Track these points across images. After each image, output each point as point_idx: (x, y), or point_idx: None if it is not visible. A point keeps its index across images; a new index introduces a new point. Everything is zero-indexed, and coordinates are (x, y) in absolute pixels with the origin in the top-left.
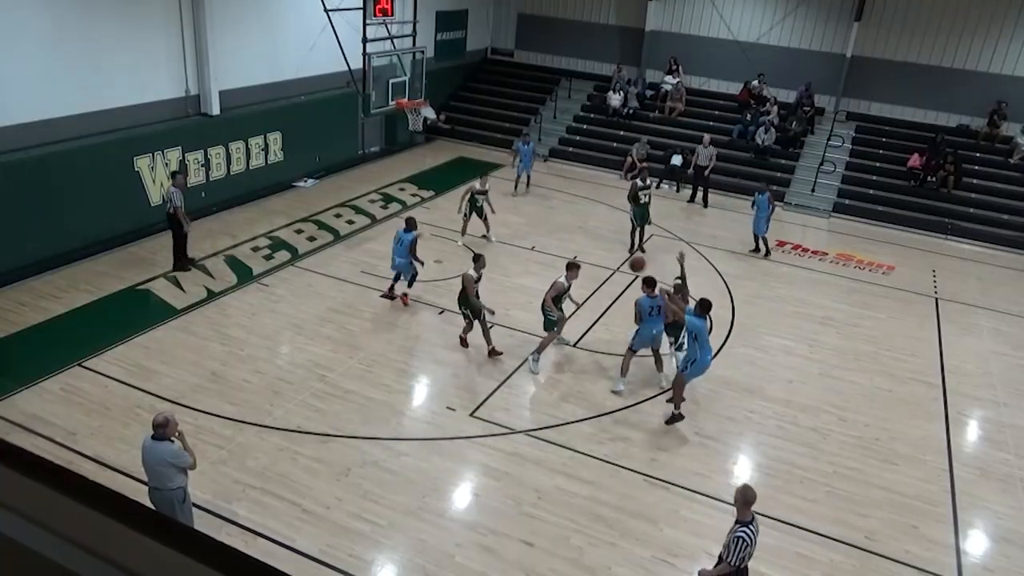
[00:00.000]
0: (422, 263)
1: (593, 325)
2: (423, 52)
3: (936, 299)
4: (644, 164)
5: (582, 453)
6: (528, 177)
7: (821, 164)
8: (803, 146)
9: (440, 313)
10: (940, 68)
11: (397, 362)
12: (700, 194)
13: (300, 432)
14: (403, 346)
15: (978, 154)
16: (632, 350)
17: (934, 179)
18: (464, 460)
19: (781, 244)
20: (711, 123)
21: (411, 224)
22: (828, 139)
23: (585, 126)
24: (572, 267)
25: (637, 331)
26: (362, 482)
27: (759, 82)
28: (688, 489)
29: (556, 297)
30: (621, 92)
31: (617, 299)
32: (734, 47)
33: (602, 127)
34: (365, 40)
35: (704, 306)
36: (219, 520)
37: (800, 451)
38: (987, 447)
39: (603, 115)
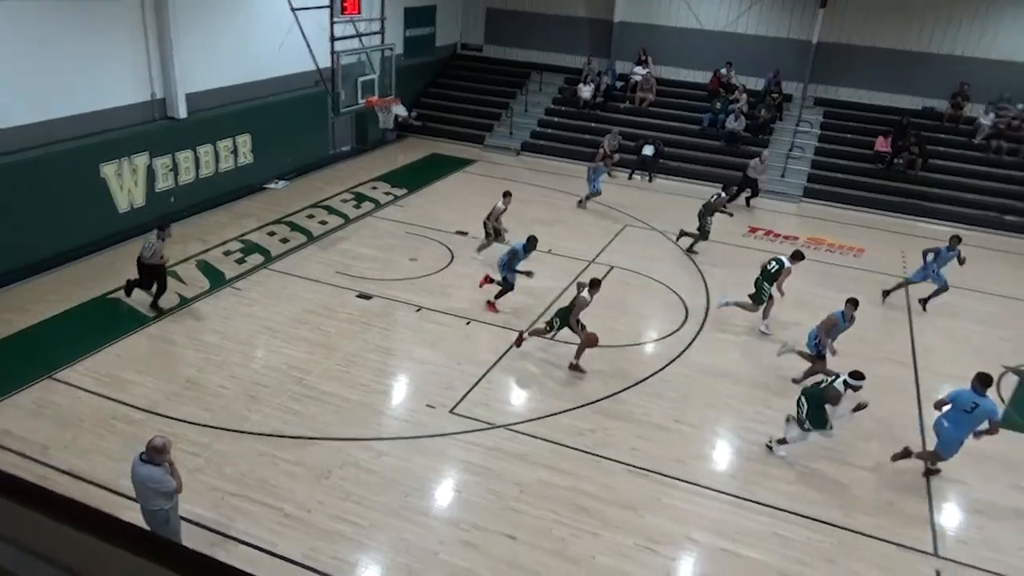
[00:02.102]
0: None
1: None
2: (392, 49)
3: (907, 280)
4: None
5: (562, 445)
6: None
7: (790, 150)
8: (772, 132)
9: (417, 311)
10: (904, 52)
11: (375, 362)
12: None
13: (279, 436)
14: (380, 345)
15: (943, 135)
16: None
17: (901, 161)
18: (445, 457)
19: (753, 230)
20: (682, 112)
21: (531, 242)
22: (797, 125)
23: (556, 119)
24: (595, 284)
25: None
26: (343, 484)
27: (728, 70)
28: (668, 476)
29: (578, 317)
30: (592, 84)
31: None
32: (702, 36)
33: (573, 119)
34: (333, 39)
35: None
36: (199, 529)
37: (777, 434)
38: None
39: (574, 107)
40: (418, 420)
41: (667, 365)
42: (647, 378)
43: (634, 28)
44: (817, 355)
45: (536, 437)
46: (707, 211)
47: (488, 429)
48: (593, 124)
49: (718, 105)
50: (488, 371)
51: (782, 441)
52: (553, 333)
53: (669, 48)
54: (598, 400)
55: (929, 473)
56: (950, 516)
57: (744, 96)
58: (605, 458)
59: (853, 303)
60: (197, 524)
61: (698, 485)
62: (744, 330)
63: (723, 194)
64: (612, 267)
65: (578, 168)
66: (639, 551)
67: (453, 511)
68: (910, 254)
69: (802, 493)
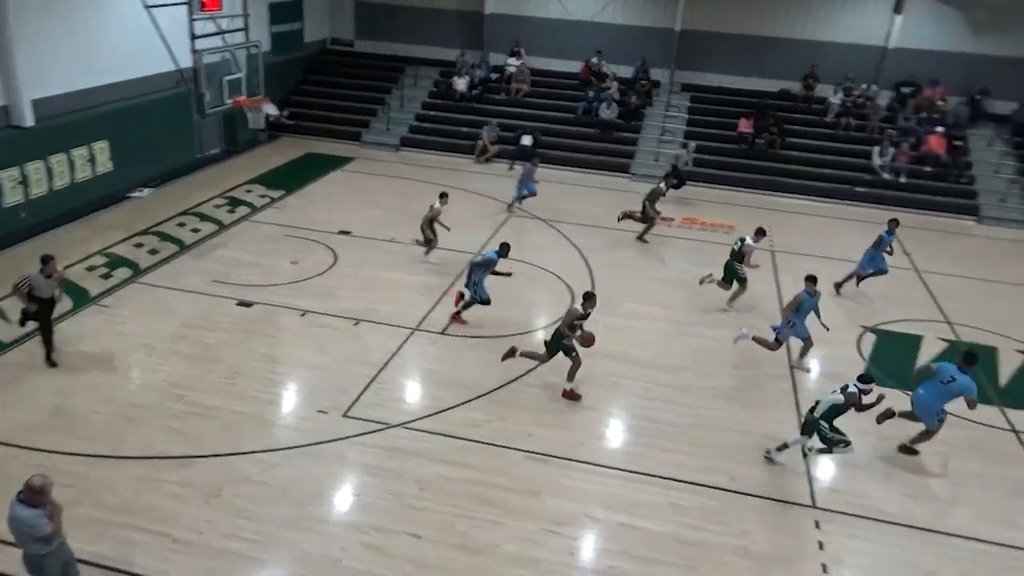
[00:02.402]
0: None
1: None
2: (258, 46)
3: (772, 252)
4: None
5: (460, 438)
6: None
7: (662, 134)
8: (644, 118)
9: (302, 315)
10: (760, 38)
11: (261, 371)
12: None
13: (161, 458)
14: (266, 354)
15: (798, 115)
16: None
17: (762, 141)
18: (341, 462)
19: (665, 219)
20: (557, 101)
21: (504, 249)
22: (666, 110)
23: (434, 112)
24: (589, 297)
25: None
26: (235, 500)
27: (598, 59)
28: (566, 459)
29: (571, 324)
30: (466, 76)
31: None
32: (572, 27)
33: (451, 112)
34: (193, 37)
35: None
36: (82, 565)
37: (665, 407)
38: (825, 382)
39: (451, 100)
40: (311, 427)
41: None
42: (539, 365)
43: (505, 20)
44: (775, 340)
45: (433, 433)
46: (651, 198)
47: (384, 429)
48: (471, 116)
49: (591, 93)
50: (380, 371)
51: (783, 447)
52: (550, 358)
53: (541, 39)
54: (493, 391)
55: (906, 450)
56: (824, 469)
57: (615, 84)
58: (503, 447)
59: (812, 279)
60: (81, 560)
61: (595, 464)
62: (626, 312)
63: (663, 185)
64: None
65: (460, 160)
66: (543, 535)
67: (353, 516)
68: (775, 228)
69: (691, 462)
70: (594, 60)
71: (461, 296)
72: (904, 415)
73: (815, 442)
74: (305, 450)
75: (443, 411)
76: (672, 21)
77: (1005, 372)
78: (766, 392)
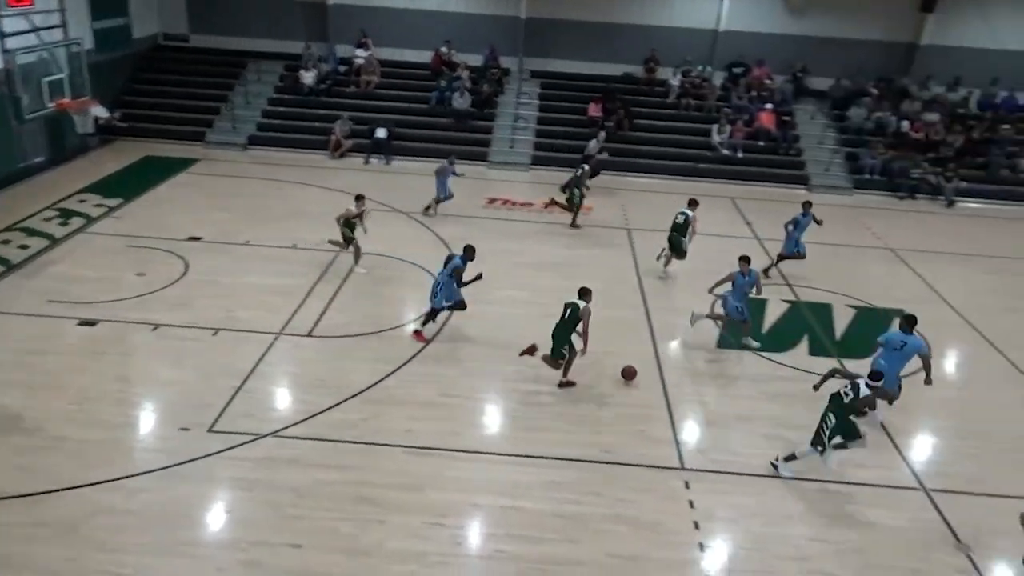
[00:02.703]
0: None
1: (325, 310)
2: (80, 44)
3: (628, 230)
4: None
5: (336, 440)
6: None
7: (515, 121)
8: (496, 107)
9: (154, 329)
10: (603, 24)
11: (113, 393)
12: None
13: (5, 498)
14: (118, 374)
15: (642, 98)
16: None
17: (611, 124)
18: (211, 480)
19: (491, 201)
20: (409, 92)
21: (469, 253)
22: (517, 97)
23: (282, 108)
24: (586, 292)
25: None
26: (96, 534)
27: (447, 48)
28: (446, 450)
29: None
30: (314, 69)
31: (345, 281)
32: (418, 16)
33: (299, 107)
34: (3, 35)
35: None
36: None
37: (539, 388)
38: (685, 350)
39: (298, 95)
40: (174, 447)
41: (428, 343)
42: (411, 359)
43: (350, 10)
44: (743, 321)
45: (307, 438)
46: (576, 183)
47: (254, 440)
48: (321, 111)
49: (443, 83)
50: (246, 380)
51: (790, 457)
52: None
53: (388, 29)
54: (365, 389)
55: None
56: (689, 431)
57: (466, 73)
58: (381, 445)
59: (745, 259)
60: None
61: (475, 452)
62: (496, 298)
63: (585, 167)
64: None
65: (313, 157)
66: (428, 528)
67: (229, 533)
68: (629, 207)
69: (566, 439)
70: (444, 49)
71: (434, 312)
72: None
73: (829, 450)
74: (170, 471)
75: (316, 415)
76: (517, 9)
77: (840, 326)
78: (631, 364)
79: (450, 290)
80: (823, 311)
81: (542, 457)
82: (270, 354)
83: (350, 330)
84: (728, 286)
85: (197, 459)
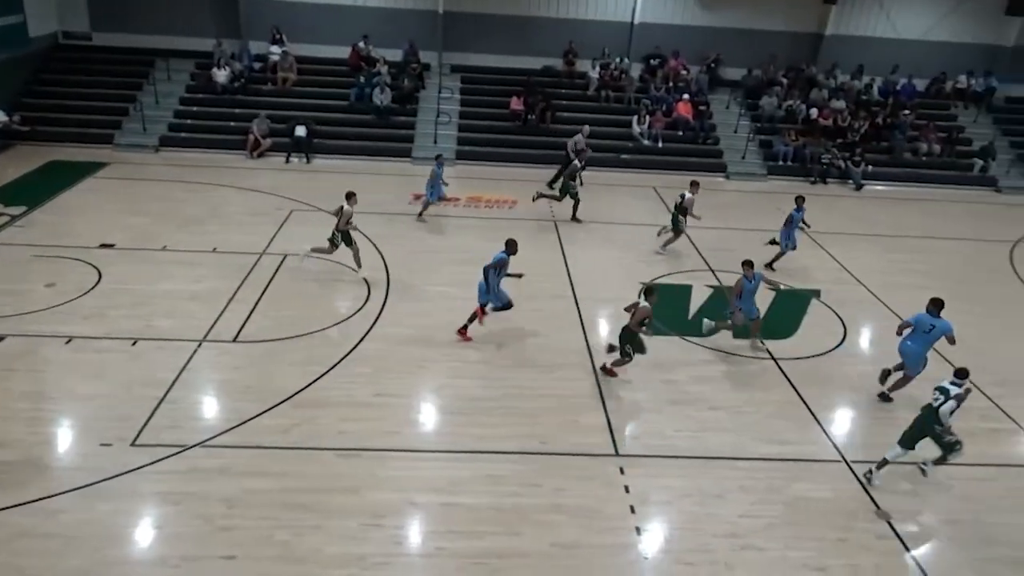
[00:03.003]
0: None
1: (250, 315)
2: None
3: (555, 222)
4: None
5: (267, 447)
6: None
7: (437, 117)
8: (418, 102)
9: (68, 343)
10: (521, 17)
11: (26, 411)
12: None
13: None
14: (29, 391)
15: (563, 90)
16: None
17: (533, 117)
18: (136, 495)
19: (418, 197)
20: (327, 89)
21: (510, 247)
22: (439, 93)
23: (195, 108)
24: (652, 291)
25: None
26: (14, 560)
27: (365, 44)
28: (381, 449)
29: (641, 321)
30: (227, 67)
31: (270, 283)
32: (333, 11)
33: (213, 107)
34: None
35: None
36: None
37: (474, 384)
38: (614, 338)
39: (212, 94)
40: (95, 464)
41: (359, 343)
42: (342, 359)
43: (262, 5)
44: (752, 319)
45: (236, 447)
46: (569, 176)
47: (181, 452)
48: (237, 110)
49: (362, 79)
50: (169, 390)
51: (882, 464)
52: (631, 359)
53: (303, 25)
54: (296, 393)
55: (883, 398)
56: (622, 418)
57: (386, 68)
58: (314, 448)
59: (748, 264)
60: None
61: (411, 450)
62: (426, 295)
63: (577, 162)
64: (285, 255)
65: (230, 157)
66: (366, 529)
67: (158, 550)
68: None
69: (503, 432)
70: (361, 45)
71: (483, 311)
72: (897, 367)
73: (929, 455)
74: (92, 489)
75: (245, 422)
76: (435, 3)
77: (762, 307)
78: (562, 356)
79: (497, 290)
80: None
81: (479, 452)
82: (193, 362)
83: (277, 334)
84: (735, 299)
85: (120, 475)
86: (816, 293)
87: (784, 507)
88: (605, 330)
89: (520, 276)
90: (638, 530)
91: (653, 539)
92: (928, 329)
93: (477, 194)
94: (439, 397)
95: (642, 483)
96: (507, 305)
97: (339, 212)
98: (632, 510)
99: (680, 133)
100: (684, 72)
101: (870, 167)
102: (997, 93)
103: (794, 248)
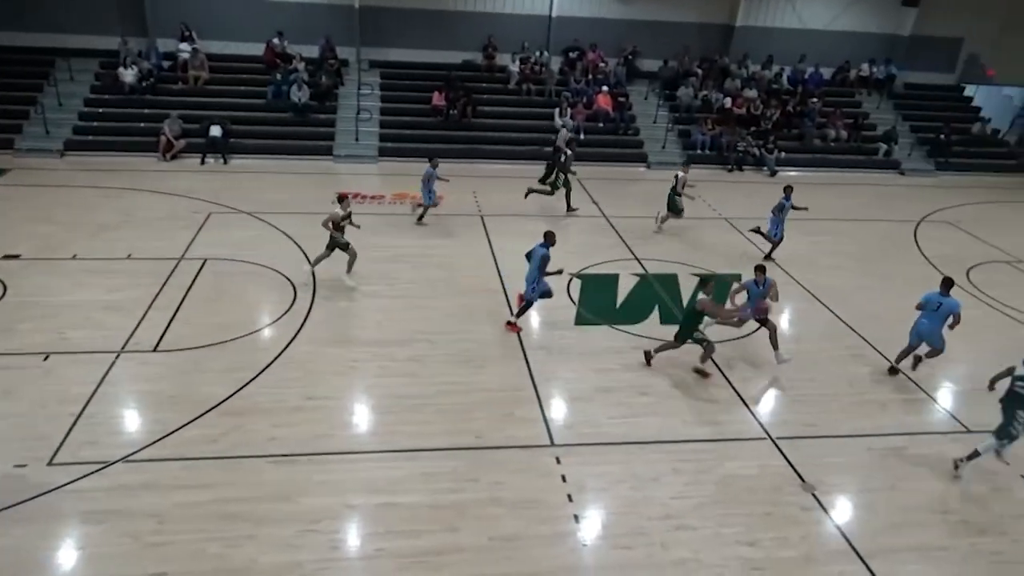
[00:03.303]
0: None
1: (171, 322)
2: None
3: (481, 216)
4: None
5: (194, 458)
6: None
7: (358, 114)
8: (337, 99)
9: None
10: (439, 11)
11: None
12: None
13: None
14: None
15: (484, 84)
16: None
17: (455, 112)
18: (56, 517)
19: (342, 196)
20: (242, 87)
21: (549, 239)
22: (359, 89)
23: (101, 110)
24: (708, 280)
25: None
26: None
27: (280, 40)
28: (316, 454)
29: (713, 312)
30: (134, 66)
31: (190, 289)
32: (245, 6)
33: (121, 108)
34: None
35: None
36: None
37: (405, 382)
38: (546, 329)
39: (119, 94)
40: (9, 486)
41: (287, 346)
42: (270, 364)
43: (169, 1)
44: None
45: (162, 460)
46: (561, 168)
47: (102, 468)
48: (147, 111)
49: (278, 76)
50: (86, 405)
51: (973, 455)
52: (680, 344)
53: (213, 21)
54: (223, 401)
55: (917, 362)
56: (556, 409)
57: (302, 65)
58: (244, 457)
59: (761, 269)
60: None
61: (345, 453)
62: (358, 295)
63: (569, 152)
64: (205, 260)
65: (141, 160)
66: (302, 536)
67: (83, 572)
68: (480, 193)
69: (437, 429)
70: (276, 41)
71: (521, 298)
72: (931, 355)
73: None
74: (8, 513)
75: (170, 433)
76: None
77: (687, 294)
78: (495, 349)
79: (540, 282)
80: (670, 281)
81: (415, 450)
82: (112, 375)
83: (200, 341)
84: (744, 295)
85: (38, 496)
86: (738, 278)
87: (715, 486)
88: (536, 323)
89: (560, 272)
90: (576, 518)
91: (591, 526)
92: (936, 307)
93: (403, 191)
94: (371, 397)
95: (578, 471)
96: (547, 293)
97: (347, 214)
98: (569, 499)
99: (601, 125)
100: (603, 64)
101: (783, 153)
102: (897, 80)
103: (781, 239)
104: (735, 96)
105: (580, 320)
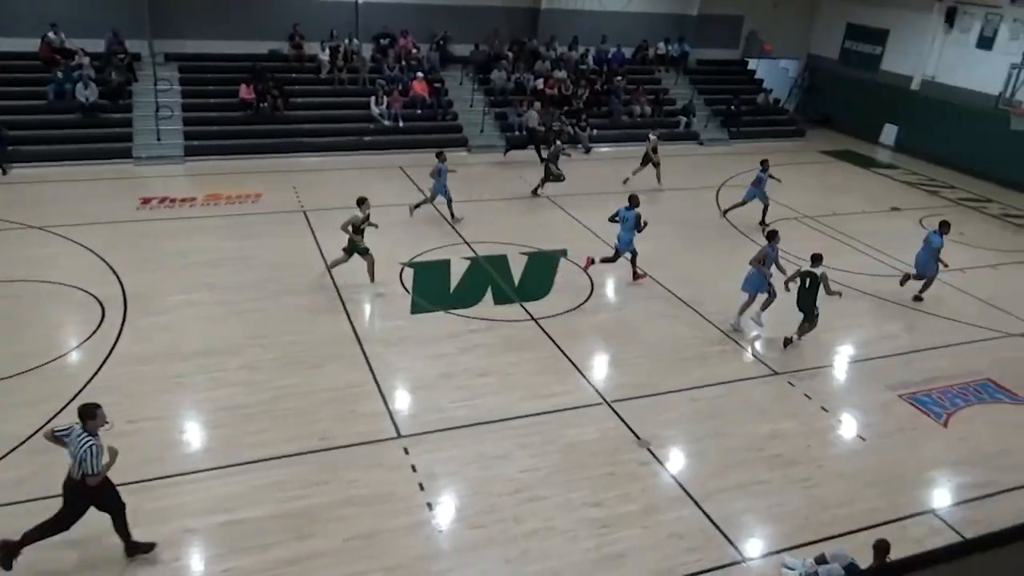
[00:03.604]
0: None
1: None
2: None
3: (304, 211)
4: None
5: (1, 505)
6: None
7: (157, 111)
8: (131, 96)
9: None
10: None
11: None
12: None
13: None
14: None
15: (294, 75)
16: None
17: (265, 105)
18: None
19: (146, 201)
20: (18, 88)
21: (634, 201)
22: (155, 85)
23: None
24: (819, 257)
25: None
26: None
27: (56, 34)
28: (144, 480)
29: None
30: None
31: None
32: None
33: None
34: None
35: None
36: None
37: (238, 391)
38: (382, 320)
39: None
40: None
41: (99, 369)
42: (82, 390)
43: None
44: (771, 295)
45: None
46: (552, 158)
47: None
48: None
49: (60, 74)
50: None
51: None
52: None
53: None
54: (28, 438)
55: (917, 299)
56: (399, 400)
57: (87, 60)
58: (60, 496)
59: (773, 235)
60: None
61: (178, 475)
62: (170, 306)
63: (559, 143)
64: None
65: None
66: (138, 570)
67: None
68: (301, 188)
69: (277, 436)
70: (51, 35)
71: (591, 261)
72: (914, 277)
73: None
74: None
75: None
76: None
77: (516, 272)
78: (331, 347)
79: (631, 237)
80: (500, 261)
81: (255, 461)
82: None
83: None
84: (765, 263)
85: None
86: (563, 252)
87: (559, 455)
88: (369, 316)
89: (646, 225)
90: (430, 506)
91: (444, 511)
92: (927, 242)
93: (216, 191)
94: (202, 412)
95: (427, 459)
96: (633, 253)
97: (366, 216)
98: (421, 487)
99: (419, 111)
100: (415, 51)
101: (595, 131)
102: (690, 57)
103: (767, 204)
104: (546, 77)
105: (416, 308)
